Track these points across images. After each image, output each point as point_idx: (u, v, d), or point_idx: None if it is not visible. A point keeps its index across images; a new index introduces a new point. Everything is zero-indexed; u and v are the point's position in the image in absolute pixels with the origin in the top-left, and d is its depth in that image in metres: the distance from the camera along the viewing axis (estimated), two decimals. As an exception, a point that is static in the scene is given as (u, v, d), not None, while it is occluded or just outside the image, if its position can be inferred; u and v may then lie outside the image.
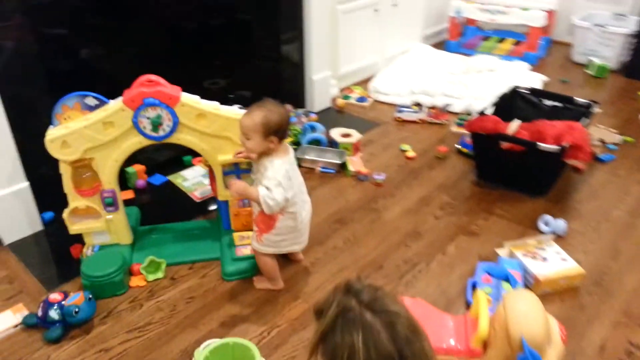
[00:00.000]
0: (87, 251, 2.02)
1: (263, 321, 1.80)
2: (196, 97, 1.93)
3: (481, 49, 4.24)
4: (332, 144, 2.85)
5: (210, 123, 1.90)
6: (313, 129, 2.97)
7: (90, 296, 1.76)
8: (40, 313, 1.73)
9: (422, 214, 2.35)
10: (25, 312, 1.80)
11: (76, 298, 1.74)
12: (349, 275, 2.00)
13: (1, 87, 1.99)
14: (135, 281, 1.95)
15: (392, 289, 1.91)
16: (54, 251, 2.15)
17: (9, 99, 2.01)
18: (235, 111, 1.96)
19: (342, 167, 2.71)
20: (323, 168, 2.71)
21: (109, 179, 1.93)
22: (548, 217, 2.22)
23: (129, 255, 2.04)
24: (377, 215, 2.35)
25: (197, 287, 1.95)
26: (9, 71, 2.03)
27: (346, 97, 3.54)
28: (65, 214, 1.95)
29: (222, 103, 1.98)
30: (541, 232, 2.18)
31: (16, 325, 1.76)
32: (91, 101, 1.82)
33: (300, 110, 3.19)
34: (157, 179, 2.63)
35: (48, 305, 1.73)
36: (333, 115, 3.36)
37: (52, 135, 1.81)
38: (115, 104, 1.82)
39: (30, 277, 2.00)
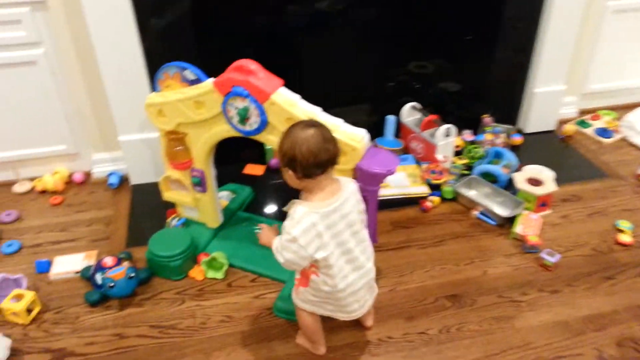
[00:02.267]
0: (172, 221, 1.94)
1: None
2: (295, 97, 1.56)
3: None
4: (511, 185, 2.13)
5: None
6: (498, 157, 2.26)
7: (133, 275, 1.67)
8: (92, 271, 1.72)
9: (582, 343, 1.55)
10: (93, 262, 1.82)
11: (119, 271, 1.66)
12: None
13: (145, 37, 1.97)
14: (195, 272, 1.79)
15: None
16: (162, 207, 2.14)
17: (149, 50, 2.00)
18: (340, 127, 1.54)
19: (509, 221, 2.00)
20: (482, 214, 2.05)
21: (198, 159, 1.75)
22: None
23: (207, 240, 1.88)
24: (513, 313, 1.65)
25: (243, 307, 1.68)
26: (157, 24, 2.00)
27: (582, 124, 2.63)
28: (161, 179, 1.88)
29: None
30: None
31: (77, 272, 1.79)
32: (189, 75, 1.62)
33: (500, 127, 2.47)
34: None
35: (98, 267, 1.70)
36: (549, 144, 2.53)
37: (150, 100, 1.70)
38: (207, 84, 1.59)
39: (124, 225, 2.03)
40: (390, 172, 1.53)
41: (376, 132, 2.41)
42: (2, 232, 2.00)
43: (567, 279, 1.77)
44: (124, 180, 2.28)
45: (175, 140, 1.75)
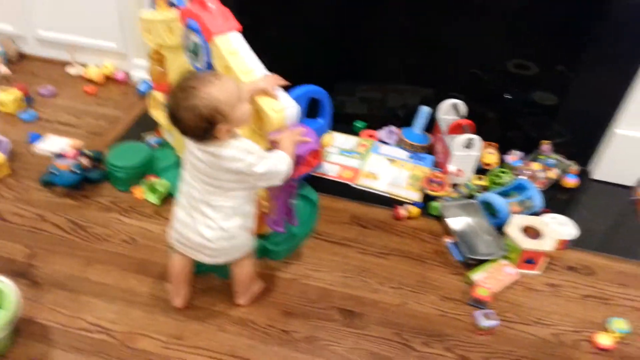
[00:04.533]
0: (148, 137, 2.01)
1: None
2: (242, 47, 1.44)
3: None
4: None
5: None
6: (519, 189, 1.87)
7: (77, 171, 1.79)
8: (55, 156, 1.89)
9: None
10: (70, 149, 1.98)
11: (64, 164, 1.79)
12: None
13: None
14: (137, 189, 1.85)
15: None
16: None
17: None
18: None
19: (477, 264, 1.67)
20: (453, 245, 1.74)
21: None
22: None
23: (168, 165, 1.92)
24: (394, 357, 1.40)
25: (152, 237, 1.69)
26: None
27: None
28: (149, 96, 1.95)
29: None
30: None
31: (52, 153, 1.96)
32: (175, -1, 1.60)
33: (557, 160, 2.04)
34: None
35: (59, 155, 1.86)
36: (612, 201, 2.03)
37: (142, 15, 1.73)
38: (175, 11, 1.55)
39: (122, 129, 2.16)
40: (304, 154, 1.36)
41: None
42: (34, 102, 2.29)
43: (491, 352, 1.44)
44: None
45: (158, 61, 1.78)
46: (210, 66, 1.49)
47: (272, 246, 1.64)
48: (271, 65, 2.16)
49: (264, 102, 1.34)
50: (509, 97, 2.13)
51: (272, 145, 1.34)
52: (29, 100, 2.26)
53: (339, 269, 1.65)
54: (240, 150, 1.20)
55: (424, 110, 2.12)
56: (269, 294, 1.55)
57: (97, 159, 1.91)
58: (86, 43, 2.45)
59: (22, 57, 2.57)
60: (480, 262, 1.67)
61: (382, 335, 1.47)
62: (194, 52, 1.52)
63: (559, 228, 1.79)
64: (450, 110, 2.09)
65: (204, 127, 1.14)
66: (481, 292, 1.56)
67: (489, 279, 1.61)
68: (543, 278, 1.68)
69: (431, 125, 2.17)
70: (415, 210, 1.85)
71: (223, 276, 1.53)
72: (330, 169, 2.03)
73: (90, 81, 2.43)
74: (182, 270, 1.43)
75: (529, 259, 1.66)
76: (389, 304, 1.56)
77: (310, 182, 1.90)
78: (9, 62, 2.50)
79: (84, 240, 1.68)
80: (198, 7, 1.46)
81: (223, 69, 1.44)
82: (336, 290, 1.58)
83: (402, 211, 1.84)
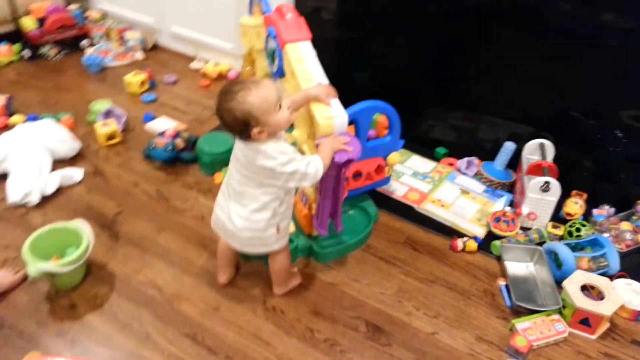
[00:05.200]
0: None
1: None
2: (309, 56, 1.54)
3: None
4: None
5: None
6: (594, 245, 1.74)
7: (170, 149, 2.03)
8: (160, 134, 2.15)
9: None
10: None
11: (162, 141, 2.04)
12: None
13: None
14: (218, 176, 2.03)
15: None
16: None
17: None
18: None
19: (527, 313, 1.58)
20: (506, 288, 1.67)
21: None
22: None
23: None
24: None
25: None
26: None
27: None
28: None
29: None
30: None
31: (158, 132, 2.23)
32: (264, 6, 1.76)
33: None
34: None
35: (161, 133, 2.12)
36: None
37: (240, 20, 1.92)
38: (262, 18, 1.72)
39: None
40: (339, 162, 1.41)
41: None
42: (156, 87, 2.61)
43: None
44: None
45: (250, 62, 1.96)
46: (281, 71, 1.62)
47: (318, 248, 1.71)
48: (369, 79, 2.27)
49: (316, 108, 1.42)
50: (616, 149, 1.99)
51: (316, 149, 1.41)
52: (152, 84, 2.60)
53: (379, 284, 1.67)
54: (274, 150, 1.29)
55: (508, 146, 2.05)
56: (304, 291, 1.62)
57: (191, 143, 2.14)
58: (209, 42, 2.74)
59: (156, 47, 2.95)
60: (531, 312, 1.59)
61: (402, 358, 1.46)
62: (272, 56, 1.66)
63: (631, 296, 1.63)
64: (536, 150, 2.00)
65: (239, 128, 1.26)
66: (519, 342, 1.48)
67: (532, 330, 1.53)
68: (599, 345, 1.54)
69: (516, 163, 2.09)
70: (473, 244, 1.80)
71: (267, 264, 1.63)
72: (398, 189, 2.05)
73: (206, 76, 2.71)
74: (226, 252, 1.56)
75: (584, 320, 1.54)
76: (418, 329, 1.54)
77: (374, 197, 1.95)
78: (144, 50, 2.89)
79: (164, 209, 1.90)
80: (277, 16, 1.61)
81: (289, 74, 1.56)
82: (369, 303, 1.61)
83: (459, 243, 1.80)
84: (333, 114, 1.43)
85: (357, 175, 1.82)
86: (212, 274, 1.64)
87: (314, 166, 1.34)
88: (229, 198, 1.41)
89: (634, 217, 1.92)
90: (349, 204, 1.89)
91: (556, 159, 1.97)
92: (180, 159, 2.09)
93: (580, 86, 1.92)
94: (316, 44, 1.61)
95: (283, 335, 1.49)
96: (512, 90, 2.06)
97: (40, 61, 2.79)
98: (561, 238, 1.85)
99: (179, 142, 2.08)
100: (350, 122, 1.56)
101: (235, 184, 1.39)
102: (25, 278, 1.56)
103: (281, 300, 1.59)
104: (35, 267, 1.42)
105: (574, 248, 1.74)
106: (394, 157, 1.86)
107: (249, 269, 1.68)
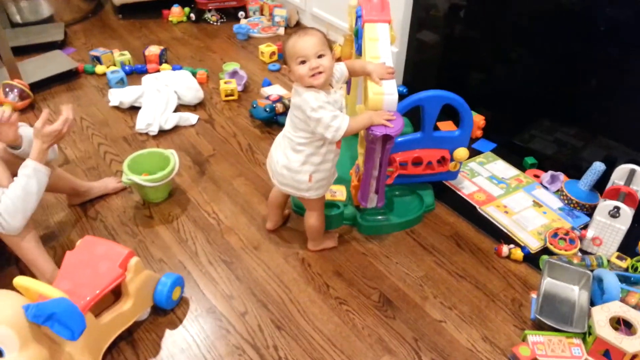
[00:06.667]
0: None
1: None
2: (383, 37, 1.65)
3: None
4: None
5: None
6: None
7: (268, 110, 2.30)
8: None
9: None
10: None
11: (263, 102, 2.32)
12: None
13: None
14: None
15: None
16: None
17: None
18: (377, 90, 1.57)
19: (549, 329, 1.53)
20: (535, 301, 1.61)
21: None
22: None
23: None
24: (400, 355, 1.47)
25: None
26: None
27: None
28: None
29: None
30: None
31: (266, 96, 2.52)
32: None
33: None
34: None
35: (267, 97, 2.40)
36: None
37: (350, 1, 2.07)
38: (356, -1, 1.86)
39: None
40: (376, 135, 1.51)
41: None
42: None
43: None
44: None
45: (350, 42, 2.12)
46: (360, 49, 1.75)
47: (362, 220, 1.83)
48: (478, 78, 2.25)
49: (371, 84, 1.53)
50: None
51: None
52: (280, 57, 2.90)
53: (407, 266, 1.74)
54: (310, 95, 1.43)
55: (596, 167, 1.91)
56: (336, 253, 1.77)
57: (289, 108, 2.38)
58: (339, 24, 2.95)
59: (298, 24, 3.26)
60: (554, 331, 1.52)
61: (401, 333, 1.53)
62: (357, 35, 1.80)
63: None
64: (625, 175, 1.83)
65: (284, 60, 1.46)
66: (522, 351, 1.44)
67: (544, 346, 1.47)
68: (618, 384, 1.42)
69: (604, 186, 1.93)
70: (519, 253, 1.75)
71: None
72: (467, 187, 2.05)
73: (328, 54, 2.94)
74: (275, 199, 1.77)
75: (606, 352, 1.43)
76: (427, 314, 1.59)
77: (439, 189, 1.99)
78: (287, 26, 3.22)
79: (248, 159, 2.18)
80: None
81: (363, 52, 1.68)
82: (390, 279, 1.69)
83: (504, 249, 1.77)
84: (384, 91, 1.54)
85: (417, 163, 1.89)
86: (264, 219, 1.88)
87: (339, 122, 1.44)
88: (281, 137, 1.60)
89: None
90: (408, 188, 1.97)
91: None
92: (277, 121, 2.35)
93: None
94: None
95: (301, 283, 1.67)
96: (629, 114, 1.89)
97: (202, 24, 3.30)
98: (625, 271, 1.70)
99: (279, 106, 2.34)
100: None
101: (286, 127, 1.58)
102: (125, 188, 1.97)
103: (312, 255, 1.76)
104: (126, 176, 1.80)
105: (628, 281, 1.59)
106: (461, 152, 1.88)
107: (296, 223, 1.87)
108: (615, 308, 1.48)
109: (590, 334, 1.47)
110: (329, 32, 3.07)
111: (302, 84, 1.45)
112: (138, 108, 2.39)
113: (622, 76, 1.84)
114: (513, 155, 2.22)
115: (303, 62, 1.41)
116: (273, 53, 2.88)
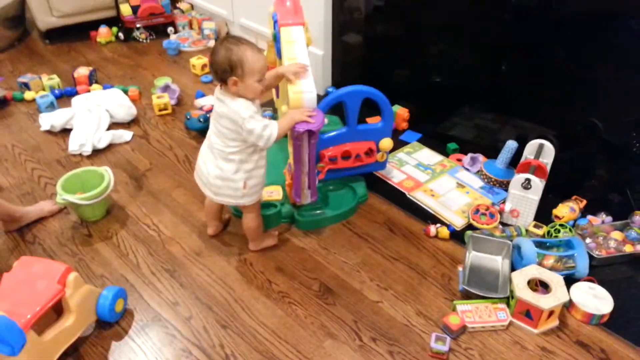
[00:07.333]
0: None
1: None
2: (299, 38, 1.75)
3: None
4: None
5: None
6: (567, 247, 1.72)
7: (202, 120, 2.35)
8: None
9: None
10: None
11: (198, 113, 2.37)
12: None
13: None
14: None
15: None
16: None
17: None
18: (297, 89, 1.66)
19: (476, 298, 1.65)
20: (462, 273, 1.74)
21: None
22: None
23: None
24: (336, 336, 1.55)
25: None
26: None
27: None
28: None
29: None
30: None
31: (200, 107, 2.57)
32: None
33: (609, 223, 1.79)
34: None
35: (201, 108, 2.45)
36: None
37: (269, 8, 2.16)
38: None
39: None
40: (299, 132, 1.59)
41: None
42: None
43: (426, 373, 1.47)
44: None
45: (272, 47, 2.21)
46: (279, 51, 1.83)
47: (298, 216, 1.91)
48: (407, 76, 2.37)
49: (291, 84, 1.62)
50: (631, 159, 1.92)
51: None
52: (211, 67, 2.96)
53: (345, 255, 1.83)
54: (241, 105, 1.49)
55: (510, 145, 2.07)
56: (276, 250, 1.84)
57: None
58: (265, 32, 3.04)
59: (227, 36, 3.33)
60: (481, 298, 1.65)
61: (341, 317, 1.62)
62: (275, 39, 1.89)
63: (589, 299, 1.61)
64: (535, 150, 2.00)
65: (223, 68, 1.46)
66: (452, 320, 1.56)
67: (472, 314, 1.59)
68: (539, 339, 1.56)
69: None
70: (445, 231, 1.88)
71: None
72: (396, 176, 2.17)
73: (259, 62, 3.02)
74: (210, 208, 1.83)
75: (527, 313, 1.56)
76: (365, 296, 1.69)
77: (371, 180, 2.10)
78: (217, 38, 3.28)
79: (185, 170, 2.22)
80: (279, 2, 1.83)
81: (284, 55, 1.77)
82: (329, 269, 1.78)
83: (432, 229, 1.89)
84: (302, 89, 1.63)
85: (346, 156, 1.99)
86: (206, 226, 1.92)
87: (269, 130, 1.52)
88: (207, 148, 1.64)
89: (629, 228, 1.85)
90: (340, 182, 2.07)
91: (564, 163, 1.96)
92: (211, 130, 2.40)
93: (602, 94, 1.88)
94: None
95: (244, 283, 1.73)
96: (537, 95, 2.06)
97: (132, 43, 3.31)
98: (543, 238, 1.85)
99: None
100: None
101: (212, 136, 1.61)
102: (62, 209, 1.98)
103: (254, 255, 1.83)
104: (60, 196, 1.81)
105: (543, 246, 1.74)
106: (386, 142, 2.00)
107: (236, 227, 1.93)
108: (532, 271, 1.62)
109: (512, 297, 1.60)
110: (258, 41, 3.15)
111: (250, 97, 1.52)
112: (70, 130, 2.38)
113: (530, 61, 2.01)
114: (437, 142, 2.37)
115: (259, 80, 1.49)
116: (204, 65, 2.93)
